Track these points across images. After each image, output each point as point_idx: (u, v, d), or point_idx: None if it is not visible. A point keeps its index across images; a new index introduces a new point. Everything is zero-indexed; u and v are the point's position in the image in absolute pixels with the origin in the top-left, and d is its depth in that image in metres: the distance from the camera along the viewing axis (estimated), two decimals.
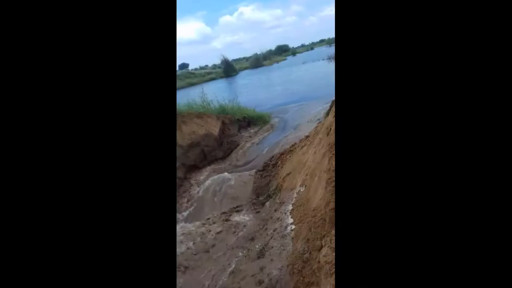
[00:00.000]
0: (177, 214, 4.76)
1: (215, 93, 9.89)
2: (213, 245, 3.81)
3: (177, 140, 5.89)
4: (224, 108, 8.40)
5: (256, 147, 6.76)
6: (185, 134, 6.15)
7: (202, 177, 5.89)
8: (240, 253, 3.40)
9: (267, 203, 4.33)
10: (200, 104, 8.25)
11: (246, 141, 7.18)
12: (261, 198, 4.59)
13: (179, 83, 25.76)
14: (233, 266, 3.11)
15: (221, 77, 30.36)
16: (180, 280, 3.32)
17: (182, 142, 5.95)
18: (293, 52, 50.15)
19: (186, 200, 5.20)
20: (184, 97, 8.44)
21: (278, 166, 4.95)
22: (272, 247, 2.64)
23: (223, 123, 7.49)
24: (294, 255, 2.06)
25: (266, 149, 6.36)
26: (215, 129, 6.96)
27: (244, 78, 25.53)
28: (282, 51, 49.40)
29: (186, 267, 3.49)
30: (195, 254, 3.69)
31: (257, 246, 2.86)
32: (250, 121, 8.31)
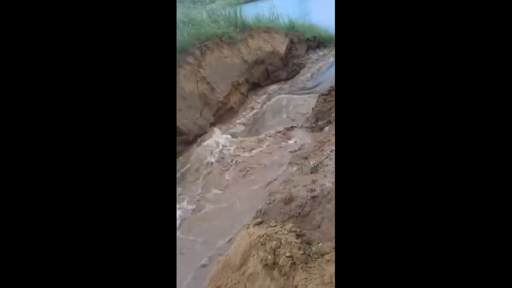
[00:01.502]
0: (234, 129, 5.05)
1: (285, 7, 8.95)
2: (267, 159, 4.07)
3: (243, 55, 5.80)
4: (294, 25, 7.67)
5: (323, 71, 6.30)
6: (251, 49, 5.98)
7: (263, 96, 5.93)
8: (294, 168, 3.59)
9: (326, 128, 4.25)
10: (268, 18, 7.65)
11: (313, 63, 6.70)
12: (320, 123, 4.51)
13: None
14: (285, 177, 3.34)
15: None
16: (236, 181, 3.76)
17: (248, 57, 5.85)
18: None
19: (245, 116, 5.42)
20: (253, 10, 7.87)
21: None
22: (327, 165, 2.68)
23: (291, 41, 6.97)
24: None
25: (334, 74, 5.88)
26: (282, 47, 6.57)
27: None
28: None
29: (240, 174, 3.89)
30: (247, 164, 4.02)
31: (311, 163, 2.94)
32: (320, 42, 7.54)
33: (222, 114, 5.14)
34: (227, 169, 3.98)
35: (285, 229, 1.99)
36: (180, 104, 4.41)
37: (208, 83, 4.94)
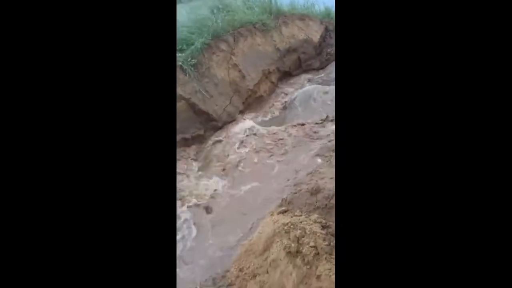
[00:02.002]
0: (262, 118, 5.03)
1: None
2: (294, 148, 4.04)
3: (276, 42, 5.71)
4: (329, 12, 7.35)
5: None
6: (284, 37, 5.85)
7: (294, 86, 5.82)
8: (321, 160, 3.53)
9: None
10: (303, 5, 7.40)
11: None
12: None
13: None
14: (312, 168, 3.31)
15: None
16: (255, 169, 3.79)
17: (280, 45, 5.74)
18: None
19: (274, 106, 5.37)
20: None
21: None
22: None
23: (326, 29, 6.71)
24: None
25: None
26: (316, 35, 6.35)
27: None
28: None
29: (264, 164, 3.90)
30: (272, 155, 4.02)
31: None
32: None
33: (251, 103, 5.15)
34: (253, 158, 4.02)
35: (310, 219, 1.99)
36: (211, 90, 4.49)
37: (239, 70, 4.96)
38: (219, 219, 3.15)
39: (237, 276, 2.07)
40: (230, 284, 2.07)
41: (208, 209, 3.27)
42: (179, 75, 4.19)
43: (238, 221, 3.01)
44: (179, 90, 4.10)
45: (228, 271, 2.28)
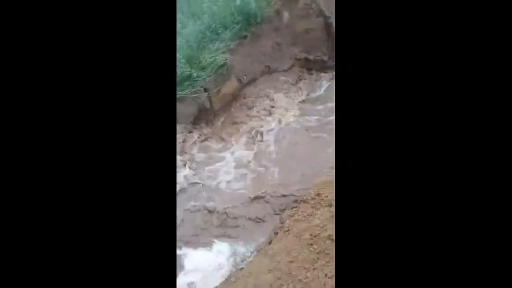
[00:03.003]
0: None
1: None
2: None
3: None
4: None
5: None
6: None
7: None
8: None
9: None
10: None
11: None
12: None
13: None
14: None
15: None
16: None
17: None
18: None
19: None
20: None
21: None
22: None
23: None
24: None
25: None
26: None
27: None
28: None
29: None
30: None
31: None
32: None
33: None
34: None
35: None
36: None
37: None
38: (307, 143, 3.08)
39: (313, 198, 2.07)
40: (304, 201, 2.09)
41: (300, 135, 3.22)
42: None
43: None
44: (322, 5, 3.70)
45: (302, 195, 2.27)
